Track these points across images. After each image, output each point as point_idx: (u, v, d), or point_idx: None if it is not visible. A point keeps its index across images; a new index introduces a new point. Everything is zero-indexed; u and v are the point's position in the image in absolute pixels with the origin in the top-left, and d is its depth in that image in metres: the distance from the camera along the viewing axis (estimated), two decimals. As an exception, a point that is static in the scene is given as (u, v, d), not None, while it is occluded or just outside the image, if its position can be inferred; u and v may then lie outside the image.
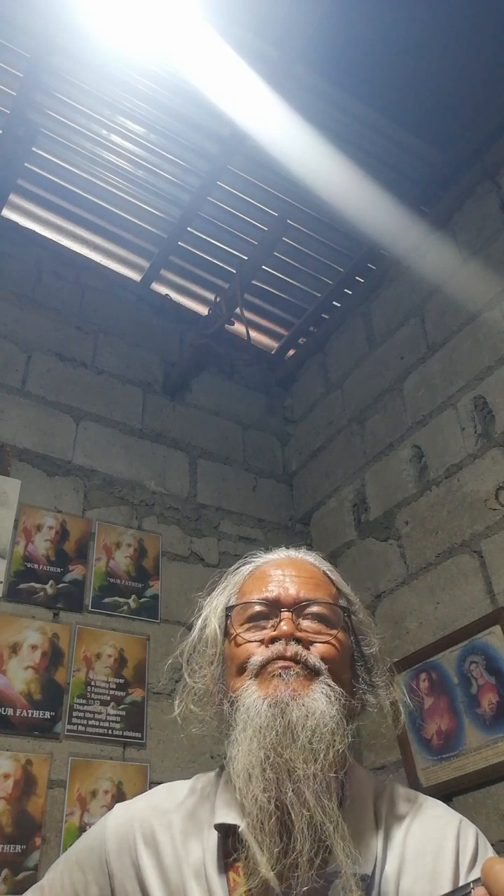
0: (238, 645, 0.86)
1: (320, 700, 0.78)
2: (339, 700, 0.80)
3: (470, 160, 2.76)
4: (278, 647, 0.81)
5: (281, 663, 0.80)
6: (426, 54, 2.47)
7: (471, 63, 2.51)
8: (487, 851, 0.78)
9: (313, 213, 2.97)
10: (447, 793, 2.00)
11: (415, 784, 2.11)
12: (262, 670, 0.81)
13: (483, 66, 2.52)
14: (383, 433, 2.82)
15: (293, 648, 0.81)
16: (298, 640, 0.82)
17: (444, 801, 0.87)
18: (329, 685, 0.80)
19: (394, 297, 3.02)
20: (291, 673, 0.79)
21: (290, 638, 0.82)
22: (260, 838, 0.73)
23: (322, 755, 0.74)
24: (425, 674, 2.24)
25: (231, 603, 0.92)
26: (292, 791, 0.73)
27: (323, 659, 0.82)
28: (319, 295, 3.32)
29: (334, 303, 3.34)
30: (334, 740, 0.76)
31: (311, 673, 0.80)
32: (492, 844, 0.80)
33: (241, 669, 0.83)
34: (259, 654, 0.83)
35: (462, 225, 2.77)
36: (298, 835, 0.72)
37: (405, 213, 2.88)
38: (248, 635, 0.86)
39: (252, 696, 0.79)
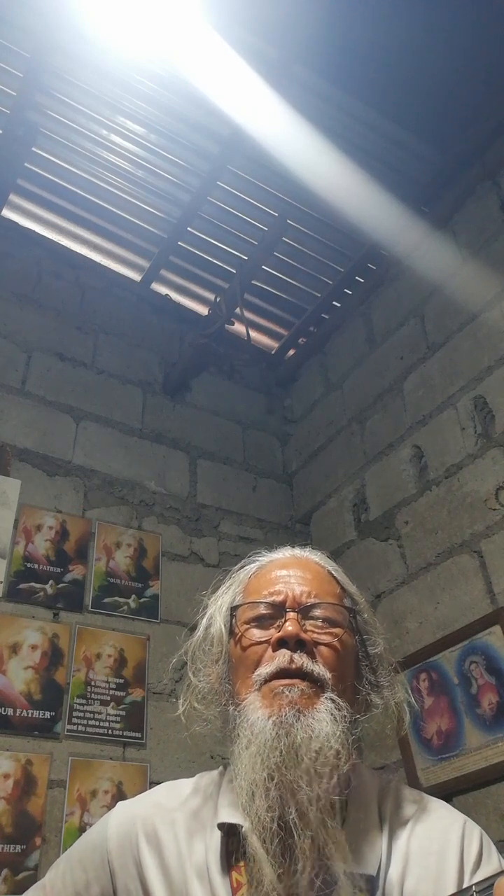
0: (244, 647, 0.85)
1: (325, 720, 0.77)
2: (345, 717, 0.78)
3: (470, 160, 2.76)
4: (283, 660, 0.80)
5: (285, 681, 0.79)
6: (426, 54, 2.47)
7: (471, 63, 2.51)
8: (492, 852, 0.77)
9: (313, 213, 2.97)
10: (447, 793, 2.00)
11: (415, 784, 2.11)
12: (266, 684, 0.80)
13: (483, 66, 2.52)
14: (383, 433, 2.82)
15: (298, 661, 0.80)
16: (303, 644, 0.81)
17: (444, 802, 0.87)
18: (334, 701, 0.79)
19: (394, 297, 3.02)
20: (296, 690, 0.78)
21: (296, 640, 0.81)
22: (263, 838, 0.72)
23: (325, 778, 0.74)
24: (425, 674, 2.24)
25: (236, 602, 0.91)
26: (295, 811, 0.73)
27: (327, 664, 0.81)
28: (319, 295, 3.31)
29: (334, 303, 3.33)
30: (338, 763, 0.75)
31: (317, 687, 0.79)
32: (492, 845, 0.80)
33: (247, 675, 0.83)
34: (264, 665, 0.82)
35: (462, 225, 2.77)
36: (300, 855, 0.71)
37: (405, 213, 2.88)
38: (253, 635, 0.85)
39: (256, 712, 0.78)
